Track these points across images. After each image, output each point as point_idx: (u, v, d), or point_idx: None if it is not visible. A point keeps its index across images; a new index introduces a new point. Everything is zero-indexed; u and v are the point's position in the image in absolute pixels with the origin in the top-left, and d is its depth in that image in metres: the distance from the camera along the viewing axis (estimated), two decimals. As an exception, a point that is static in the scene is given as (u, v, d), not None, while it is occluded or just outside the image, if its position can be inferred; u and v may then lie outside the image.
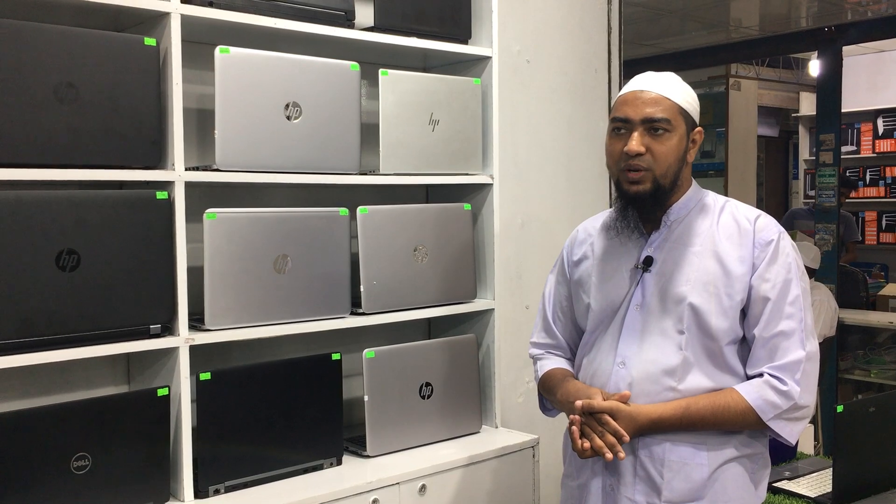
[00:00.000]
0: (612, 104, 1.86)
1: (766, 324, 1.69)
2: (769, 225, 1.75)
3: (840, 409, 2.12)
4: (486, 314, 2.55)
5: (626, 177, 1.74)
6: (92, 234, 1.82)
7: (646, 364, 1.75)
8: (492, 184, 2.53)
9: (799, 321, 1.69)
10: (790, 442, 1.72)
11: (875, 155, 7.49)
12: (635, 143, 1.71)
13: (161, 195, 1.91)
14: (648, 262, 1.78)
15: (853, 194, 7.43)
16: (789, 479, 2.32)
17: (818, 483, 2.28)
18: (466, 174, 2.50)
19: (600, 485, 1.80)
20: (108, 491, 1.84)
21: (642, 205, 1.76)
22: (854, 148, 7.53)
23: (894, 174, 7.50)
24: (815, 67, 7.19)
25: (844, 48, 5.48)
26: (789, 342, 1.68)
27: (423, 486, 2.18)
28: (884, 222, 7.57)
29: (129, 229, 1.87)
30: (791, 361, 1.67)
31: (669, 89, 1.74)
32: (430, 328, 2.74)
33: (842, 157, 5.72)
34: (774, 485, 2.28)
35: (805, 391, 1.68)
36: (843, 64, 5.52)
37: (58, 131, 1.78)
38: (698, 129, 1.79)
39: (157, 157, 1.93)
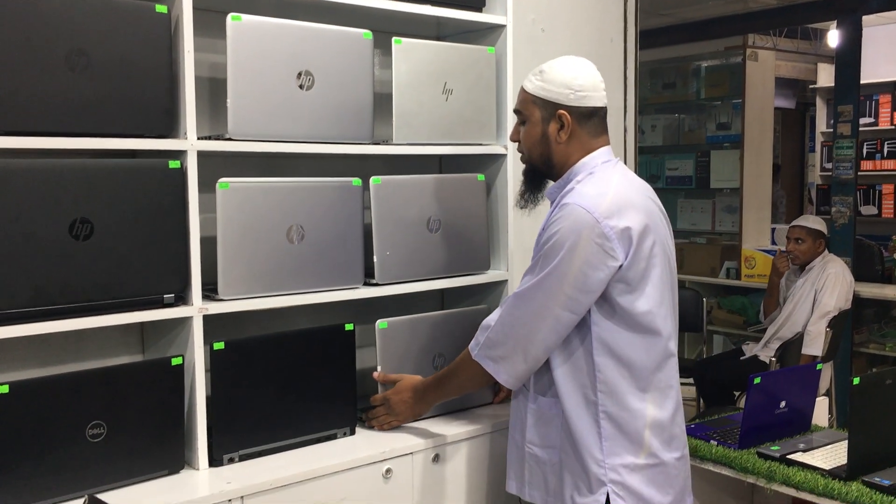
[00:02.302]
0: None
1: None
2: (566, 200, 1.87)
3: (856, 381, 2.11)
4: (499, 285, 2.54)
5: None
6: (105, 203, 1.81)
7: None
8: (506, 154, 2.51)
9: (532, 278, 1.86)
10: (499, 380, 1.93)
11: (893, 127, 7.39)
12: (512, 133, 2.06)
13: (174, 164, 1.90)
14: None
15: (870, 166, 7.36)
16: (804, 451, 2.31)
17: (833, 455, 2.27)
18: (480, 144, 2.48)
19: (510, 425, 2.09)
20: (123, 459, 1.85)
21: (527, 179, 2.05)
22: (872, 120, 7.43)
23: (913, 146, 7.40)
24: (833, 38, 7.09)
25: (864, 18, 5.39)
26: (517, 289, 1.91)
27: (437, 456, 2.19)
28: (902, 194, 7.49)
29: (142, 198, 1.86)
30: (502, 301, 2.00)
31: (530, 81, 1.97)
32: (444, 299, 2.73)
33: (860, 129, 5.64)
34: (788, 457, 2.27)
35: (498, 325, 1.91)
36: (862, 34, 5.43)
37: (69, 99, 1.77)
38: (560, 111, 1.92)
39: (170, 126, 1.92)
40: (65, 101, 1.77)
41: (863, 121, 6.96)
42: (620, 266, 1.81)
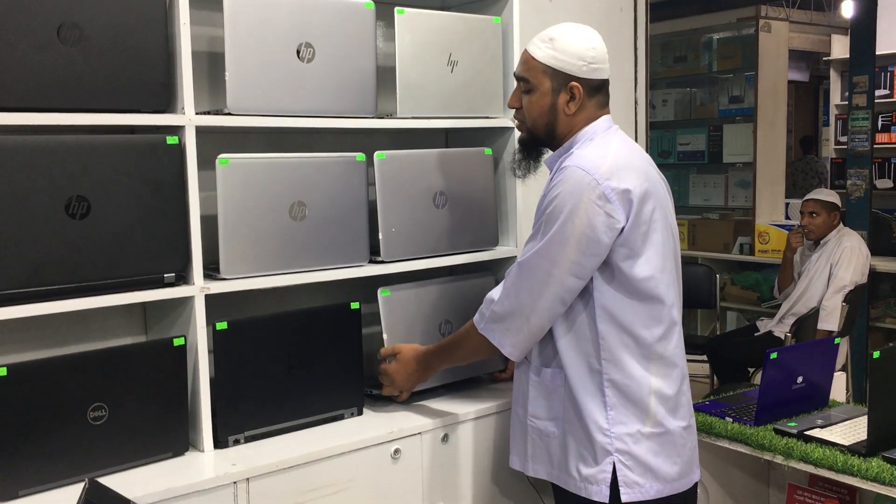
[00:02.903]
0: None
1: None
2: (565, 163, 1.83)
3: (876, 355, 2.05)
4: (507, 261, 2.48)
5: (516, 124, 2.04)
6: (101, 181, 1.77)
7: None
8: (513, 127, 2.45)
9: (534, 245, 1.83)
10: (504, 352, 1.90)
11: (909, 99, 7.26)
12: (511, 98, 1.99)
13: (171, 140, 1.86)
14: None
15: (885, 139, 7.24)
16: (822, 427, 2.25)
17: (852, 431, 2.22)
18: (487, 117, 2.42)
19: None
20: (126, 441, 1.81)
21: (524, 148, 2.01)
22: (887, 91, 7.30)
23: (928, 118, 7.27)
24: (848, 8, 6.96)
25: (885, -15, 5.28)
26: (520, 258, 1.88)
27: (446, 436, 2.15)
28: (917, 168, 7.37)
29: (139, 175, 1.82)
30: (506, 273, 1.92)
31: (539, 48, 1.89)
32: (452, 276, 2.68)
33: (875, 101, 5.53)
34: (807, 433, 2.21)
35: (507, 295, 1.87)
36: (877, 2, 5.32)
37: (63, 74, 1.72)
38: (573, 83, 1.87)
39: (167, 101, 1.87)
40: (58, 76, 1.72)
41: (878, 93, 6.83)
42: (622, 229, 1.78)
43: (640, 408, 1.82)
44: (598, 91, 1.91)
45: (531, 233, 1.89)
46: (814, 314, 4.30)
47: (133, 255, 1.82)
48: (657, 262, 1.82)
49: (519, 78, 1.95)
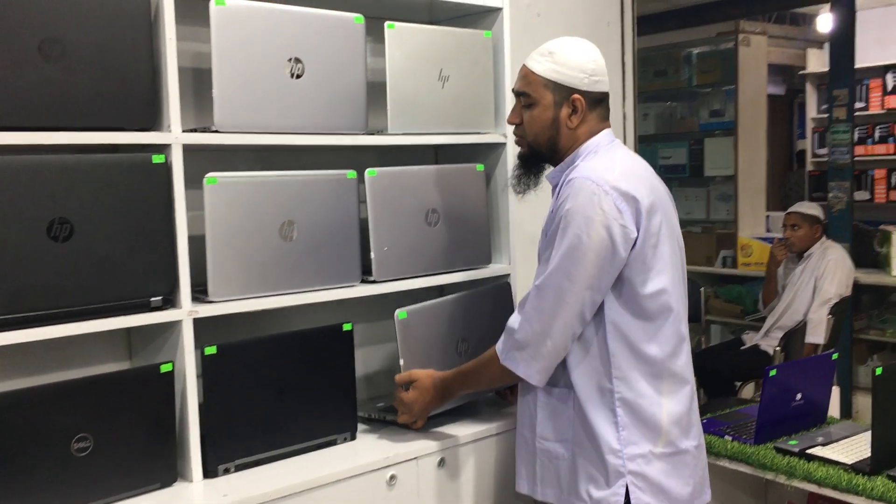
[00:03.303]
0: None
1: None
2: (572, 175, 1.80)
3: (879, 371, 2.02)
4: (501, 279, 2.43)
5: (515, 141, 1.99)
6: (85, 202, 1.70)
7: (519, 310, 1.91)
8: (505, 143, 2.41)
9: (549, 265, 1.77)
10: (531, 382, 1.83)
11: (884, 111, 7.32)
12: (511, 115, 1.95)
13: (157, 159, 1.79)
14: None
15: (862, 151, 7.30)
16: (823, 444, 2.22)
17: (854, 448, 2.18)
18: (478, 133, 2.37)
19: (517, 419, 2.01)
20: (112, 473, 1.74)
21: (525, 164, 1.97)
22: (863, 105, 7.36)
23: (904, 131, 7.34)
24: (823, 22, 7.02)
25: (857, 0, 5.32)
26: (534, 281, 1.82)
27: (443, 460, 2.09)
28: (893, 179, 7.43)
29: (124, 196, 1.75)
30: (522, 299, 1.85)
31: (538, 63, 1.86)
32: (443, 295, 2.62)
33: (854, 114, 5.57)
34: (808, 451, 2.18)
35: (528, 322, 1.79)
36: (856, 16, 5.36)
37: (44, 91, 1.66)
38: (575, 96, 1.85)
39: (152, 119, 1.81)
40: (39, 93, 1.65)
41: (854, 105, 6.90)
42: (635, 241, 1.75)
43: (653, 427, 1.78)
44: (598, 104, 1.89)
45: (542, 251, 1.85)
46: (801, 328, 4.29)
47: (118, 279, 1.75)
48: (668, 276, 1.80)
49: (518, 93, 1.92)
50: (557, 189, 1.88)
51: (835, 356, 2.42)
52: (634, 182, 1.78)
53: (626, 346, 1.78)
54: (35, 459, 1.64)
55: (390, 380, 2.49)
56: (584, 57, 1.86)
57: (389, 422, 2.18)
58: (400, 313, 2.07)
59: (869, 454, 2.09)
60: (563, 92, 1.85)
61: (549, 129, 1.88)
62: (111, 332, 1.90)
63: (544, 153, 1.92)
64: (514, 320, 1.84)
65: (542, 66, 1.86)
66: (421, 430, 2.13)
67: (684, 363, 1.84)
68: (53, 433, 1.66)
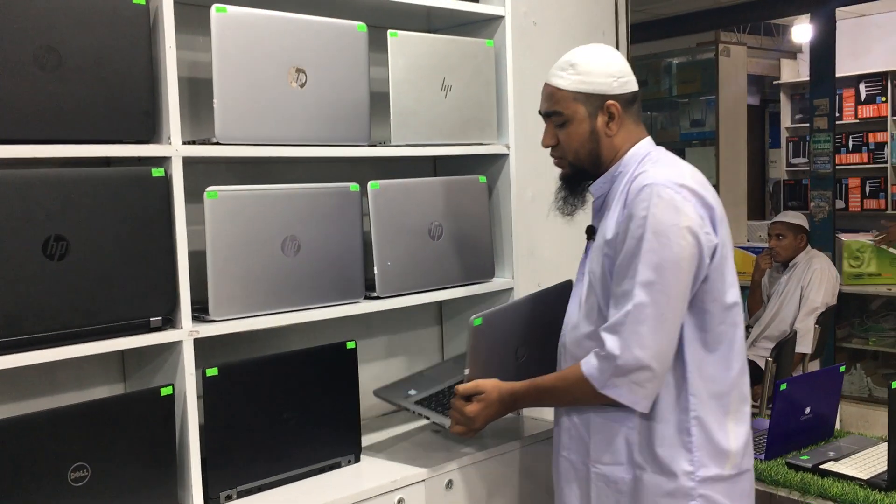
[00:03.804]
0: None
1: (613, 281, 1.70)
2: (640, 181, 1.70)
3: (895, 385, 1.99)
4: (504, 294, 2.38)
5: (553, 162, 1.88)
6: (81, 218, 1.61)
7: (572, 331, 1.83)
8: (508, 154, 2.36)
9: (637, 280, 1.64)
10: (638, 408, 1.68)
11: (858, 121, 7.40)
12: (544, 137, 1.85)
13: (157, 172, 1.71)
14: (590, 232, 1.86)
15: (838, 160, 7.36)
16: (835, 459, 2.19)
17: (867, 463, 2.15)
18: (481, 144, 2.32)
19: (556, 440, 1.90)
20: (111, 503, 1.65)
21: (569, 184, 1.87)
22: (837, 115, 7.44)
23: (877, 140, 7.42)
24: (797, 33, 7.08)
25: (838, 10, 5.36)
26: (622, 300, 1.66)
27: (451, 482, 2.02)
28: (867, 188, 7.51)
29: (122, 211, 1.67)
30: (615, 321, 1.66)
31: (562, 78, 1.78)
32: (442, 310, 2.57)
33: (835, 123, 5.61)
34: (821, 467, 2.14)
35: (629, 347, 1.63)
36: (836, 26, 5.40)
37: (39, 102, 1.57)
38: (609, 102, 1.77)
39: (151, 131, 1.73)
40: (34, 105, 1.56)
41: (827, 115, 6.96)
42: (714, 249, 1.67)
43: (722, 449, 1.69)
44: (631, 104, 1.82)
45: (611, 264, 1.70)
46: (792, 338, 4.28)
47: (116, 298, 1.66)
48: (737, 288, 1.73)
49: (548, 114, 1.83)
50: (615, 199, 1.77)
51: (842, 369, 2.39)
52: (707, 189, 1.72)
53: (701, 363, 1.69)
54: (31, 490, 1.55)
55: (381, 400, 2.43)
56: (607, 60, 1.79)
57: (428, 420, 2.04)
58: (475, 320, 1.88)
59: (884, 468, 2.06)
60: (596, 101, 1.78)
61: (589, 143, 1.80)
62: (105, 354, 1.81)
63: (587, 168, 1.83)
64: (613, 345, 1.65)
65: (568, 80, 1.78)
66: (420, 446, 2.06)
67: (746, 380, 1.77)
68: (50, 462, 1.57)
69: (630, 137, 1.81)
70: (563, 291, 1.99)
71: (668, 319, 1.64)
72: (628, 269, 1.66)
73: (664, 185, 1.66)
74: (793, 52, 8.12)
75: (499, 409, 1.89)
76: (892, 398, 2.00)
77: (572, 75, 1.78)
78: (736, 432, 1.72)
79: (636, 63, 6.49)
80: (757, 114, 9.89)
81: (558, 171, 1.89)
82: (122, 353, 1.94)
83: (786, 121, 8.25)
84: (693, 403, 1.69)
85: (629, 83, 1.81)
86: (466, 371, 1.90)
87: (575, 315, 1.83)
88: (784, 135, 8.21)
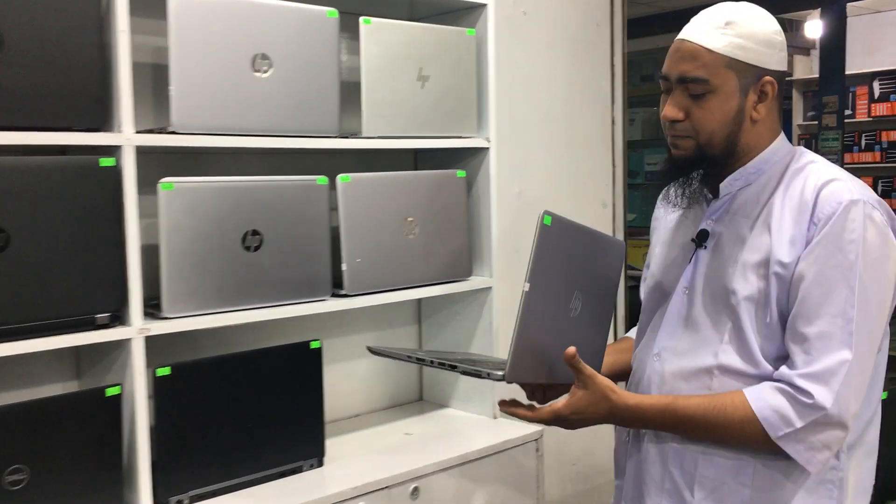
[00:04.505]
0: None
1: (801, 315, 1.36)
2: (836, 193, 1.38)
3: (884, 395, 1.89)
4: (482, 293, 2.29)
5: (669, 141, 1.49)
6: (25, 209, 1.54)
7: (680, 359, 1.48)
8: (488, 147, 2.26)
9: (848, 319, 1.33)
10: (809, 471, 1.37)
11: (871, 119, 7.27)
12: (670, 108, 1.45)
13: (106, 162, 1.63)
14: (703, 237, 1.50)
15: (849, 159, 7.23)
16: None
17: (855, 478, 2.05)
18: (460, 137, 2.23)
19: (631, 491, 1.57)
20: (51, 508, 1.58)
21: (688, 169, 1.48)
22: (850, 112, 7.30)
23: (891, 139, 7.28)
24: (810, 29, 6.95)
25: (852, 6, 5.23)
26: (827, 343, 1.33)
27: (416, 489, 1.94)
28: (880, 188, 7.38)
29: (69, 202, 1.59)
30: (825, 368, 1.33)
31: (715, 37, 1.41)
32: (421, 310, 2.48)
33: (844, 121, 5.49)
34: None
35: (845, 403, 1.33)
36: (846, 22, 5.27)
37: (-22, 86, 1.50)
38: (766, 78, 1.43)
39: (102, 118, 1.65)
40: (-28, 88, 1.49)
41: (841, 113, 6.83)
42: None
43: (866, 487, 1.49)
44: (781, 88, 1.47)
45: (782, 289, 1.38)
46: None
47: (60, 294, 1.59)
48: None
49: (685, 80, 1.42)
50: (761, 205, 1.45)
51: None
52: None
53: (865, 402, 1.42)
54: (-38, 494, 1.48)
55: (361, 401, 2.36)
56: (770, 27, 1.44)
57: (455, 369, 1.56)
58: (545, 217, 1.42)
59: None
60: (750, 74, 1.42)
61: (733, 124, 1.43)
62: (58, 350, 1.74)
63: (717, 156, 1.46)
64: (825, 397, 1.32)
65: (722, 40, 1.40)
66: (388, 451, 1.98)
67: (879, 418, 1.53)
68: (-16, 465, 1.50)
69: (773, 129, 1.48)
70: (616, 249, 1.62)
71: (871, 358, 1.39)
72: (831, 304, 1.34)
73: (872, 205, 1.38)
74: (806, 49, 7.98)
75: (596, 414, 1.45)
76: (883, 410, 1.90)
77: (730, 36, 1.41)
78: (867, 487, 1.49)
79: (643, 57, 6.38)
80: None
81: (667, 157, 1.52)
82: (77, 351, 1.87)
83: (797, 118, 8.13)
84: (842, 461, 1.42)
85: (785, 59, 1.46)
86: (527, 287, 1.39)
87: (682, 340, 1.49)
88: (796, 132, 8.09)
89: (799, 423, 1.34)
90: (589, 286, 1.53)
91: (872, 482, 1.51)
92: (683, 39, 1.44)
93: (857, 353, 1.33)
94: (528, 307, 1.39)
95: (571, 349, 1.41)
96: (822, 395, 1.32)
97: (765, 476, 1.40)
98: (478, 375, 1.47)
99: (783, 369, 1.37)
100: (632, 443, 1.57)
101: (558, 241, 1.45)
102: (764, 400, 1.36)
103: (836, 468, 1.41)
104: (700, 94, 1.42)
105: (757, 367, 1.40)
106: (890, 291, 1.38)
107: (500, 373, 1.42)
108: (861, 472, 1.47)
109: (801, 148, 1.52)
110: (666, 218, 1.66)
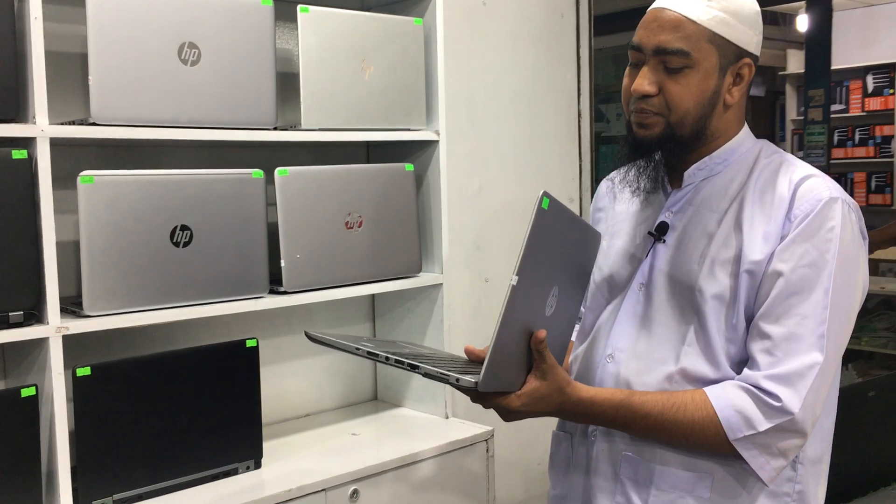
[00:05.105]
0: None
1: (769, 314, 1.27)
2: (814, 189, 1.30)
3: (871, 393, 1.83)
4: (432, 290, 2.23)
5: (634, 118, 1.36)
6: (-70, 203, 1.49)
7: (638, 360, 1.38)
8: (437, 141, 2.20)
9: (820, 321, 1.25)
10: (762, 479, 1.28)
11: (864, 113, 7.17)
12: (641, 81, 1.32)
13: (19, 154, 1.57)
14: (662, 230, 1.40)
15: (841, 154, 7.15)
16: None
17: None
18: (407, 129, 2.17)
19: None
20: (-38, 513, 1.52)
21: (652, 151, 1.37)
22: (843, 107, 7.21)
23: (884, 133, 7.19)
24: (802, 22, 6.87)
25: (835, 1, 5.15)
26: (795, 344, 1.25)
27: (356, 492, 1.88)
28: (873, 183, 7.29)
29: (-21, 196, 1.53)
30: (792, 371, 1.24)
31: (698, 7, 1.30)
32: (374, 307, 2.42)
33: (830, 116, 5.41)
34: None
35: (810, 409, 1.25)
36: (832, 15, 5.20)
37: None
38: (745, 60, 1.34)
39: (14, 109, 1.59)
40: None
41: (833, 108, 6.74)
42: None
43: None
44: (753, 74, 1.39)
45: (752, 288, 1.30)
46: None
47: (-30, 291, 1.53)
48: None
49: (666, 51, 1.30)
50: (729, 198, 1.37)
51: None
52: None
53: (830, 417, 1.37)
54: None
55: (310, 400, 2.30)
56: (754, 7, 1.35)
57: (446, 381, 1.27)
58: (544, 200, 1.24)
59: (827, 487, 1.90)
60: (731, 53, 1.33)
61: (707, 105, 1.33)
62: (-22, 349, 1.69)
63: (686, 138, 1.35)
64: (792, 400, 1.24)
65: (708, 13, 1.30)
66: (329, 451, 1.92)
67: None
68: None
69: (741, 117, 1.41)
70: (594, 242, 1.48)
71: (837, 365, 1.32)
72: (802, 304, 1.26)
73: (849, 205, 1.31)
74: (800, 42, 7.89)
75: (548, 406, 1.31)
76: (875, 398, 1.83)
77: (715, 10, 1.30)
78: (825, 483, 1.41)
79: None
80: (766, 106, 9.67)
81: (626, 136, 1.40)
82: (3, 350, 1.82)
83: (791, 113, 8.03)
84: (800, 473, 1.34)
85: (760, 44, 1.38)
86: (514, 280, 1.21)
87: (639, 341, 1.40)
88: (790, 127, 8.00)
89: (762, 427, 1.25)
90: (564, 282, 1.38)
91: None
92: (663, 8, 1.32)
93: (826, 357, 1.25)
94: (511, 305, 1.21)
95: (542, 332, 1.27)
96: (790, 398, 1.24)
97: (723, 488, 1.32)
98: (444, 380, 1.26)
99: (746, 371, 1.29)
100: (576, 448, 1.47)
101: (551, 229, 1.28)
102: (727, 399, 1.27)
103: (792, 480, 1.33)
104: (678, 69, 1.31)
105: (719, 371, 1.32)
106: (858, 295, 1.32)
107: (472, 378, 1.22)
108: (820, 489, 1.38)
109: (766, 141, 1.44)
110: (614, 208, 1.55)
